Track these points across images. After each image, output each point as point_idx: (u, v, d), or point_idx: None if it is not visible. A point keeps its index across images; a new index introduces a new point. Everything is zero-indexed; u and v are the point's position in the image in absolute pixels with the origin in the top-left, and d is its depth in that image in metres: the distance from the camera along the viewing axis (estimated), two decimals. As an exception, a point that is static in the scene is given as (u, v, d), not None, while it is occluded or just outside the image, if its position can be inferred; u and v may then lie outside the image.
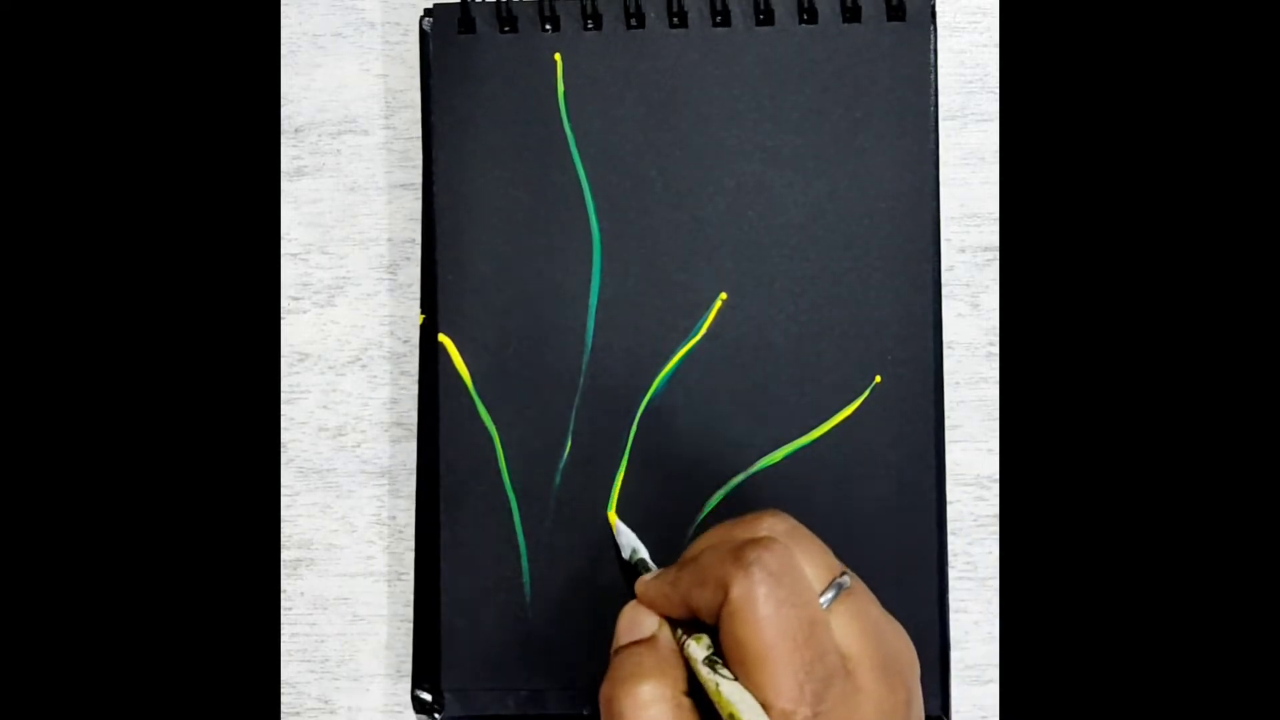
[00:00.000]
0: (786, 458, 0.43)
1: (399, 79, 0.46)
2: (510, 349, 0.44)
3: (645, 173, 0.44)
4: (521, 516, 0.43)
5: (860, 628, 0.36)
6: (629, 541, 0.42)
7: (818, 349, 0.43)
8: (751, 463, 0.43)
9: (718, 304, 0.43)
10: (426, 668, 0.43)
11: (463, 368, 0.44)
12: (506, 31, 0.44)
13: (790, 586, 0.35)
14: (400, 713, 0.45)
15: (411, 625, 0.44)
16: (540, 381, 0.43)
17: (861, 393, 0.43)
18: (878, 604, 0.37)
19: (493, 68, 0.44)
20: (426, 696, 0.43)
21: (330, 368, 0.46)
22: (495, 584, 0.43)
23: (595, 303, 0.44)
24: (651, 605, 0.38)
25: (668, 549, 0.43)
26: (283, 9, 0.46)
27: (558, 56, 0.44)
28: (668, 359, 0.43)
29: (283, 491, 0.45)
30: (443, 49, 0.44)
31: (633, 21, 0.44)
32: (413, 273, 0.45)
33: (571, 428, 0.43)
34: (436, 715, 0.43)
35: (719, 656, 0.35)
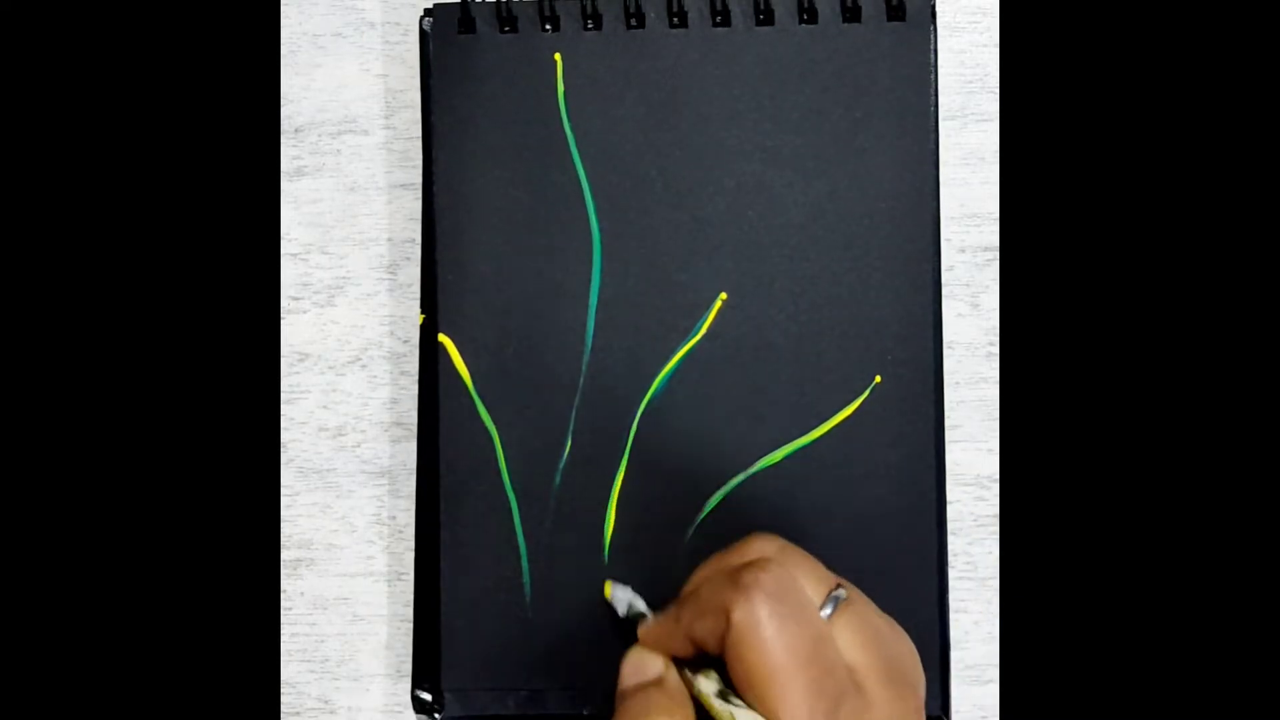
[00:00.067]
0: (786, 458, 0.43)
1: (399, 79, 0.46)
2: (510, 349, 0.44)
3: (645, 173, 0.44)
4: (521, 516, 0.43)
5: (863, 638, 0.36)
6: (625, 598, 0.41)
7: (818, 349, 0.43)
8: (751, 463, 0.43)
9: (718, 304, 0.43)
10: (426, 668, 0.43)
11: (463, 368, 0.44)
12: (506, 31, 0.44)
13: (791, 604, 0.35)
14: (400, 713, 0.45)
15: (411, 625, 0.44)
16: (540, 381, 0.43)
17: (861, 393, 0.43)
18: (876, 609, 0.37)
19: (493, 68, 0.44)
20: (426, 696, 0.43)
21: (330, 368, 0.46)
22: (495, 584, 0.43)
23: (595, 303, 0.44)
24: (655, 647, 0.38)
25: (668, 549, 0.43)
26: (283, 9, 0.46)
27: (558, 56, 0.44)
28: (668, 359, 0.43)
29: (283, 491, 0.45)
30: (443, 49, 0.44)
31: (633, 21, 0.44)
32: (413, 273, 0.45)
33: (571, 428, 0.43)
34: (436, 715, 0.43)
35: (730, 688, 0.35)
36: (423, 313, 0.44)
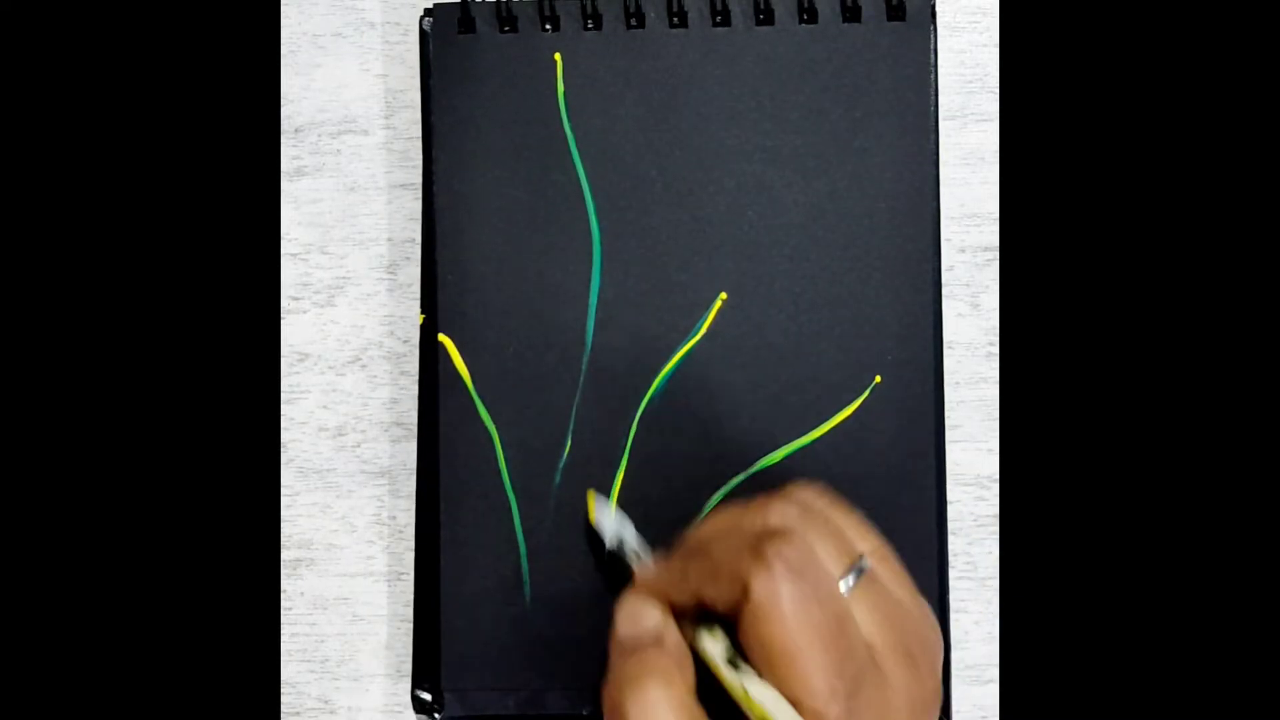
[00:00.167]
0: (786, 458, 0.43)
1: (399, 79, 0.46)
2: (510, 349, 0.44)
3: (645, 173, 0.44)
4: (521, 516, 0.43)
5: (882, 616, 0.35)
6: (614, 527, 0.40)
7: (818, 349, 0.43)
8: (751, 463, 0.43)
9: (718, 304, 0.43)
10: (426, 668, 0.43)
11: (463, 368, 0.44)
12: (506, 31, 0.44)
13: (814, 582, 0.34)
14: (400, 713, 0.45)
15: (411, 625, 0.44)
16: (540, 381, 0.43)
17: (861, 393, 0.43)
18: (903, 579, 0.36)
19: (493, 68, 0.44)
20: (426, 696, 0.43)
21: (330, 368, 0.46)
22: (495, 584, 0.43)
23: (595, 303, 0.44)
24: (656, 595, 0.36)
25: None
26: (283, 9, 0.46)
27: (558, 56, 0.44)
28: (668, 359, 0.43)
29: (283, 491, 0.45)
30: (443, 49, 0.44)
31: (633, 21, 0.44)
32: (413, 273, 0.45)
33: (571, 428, 0.43)
34: (436, 715, 0.43)
35: (739, 653, 0.34)
36: (423, 313, 0.44)
